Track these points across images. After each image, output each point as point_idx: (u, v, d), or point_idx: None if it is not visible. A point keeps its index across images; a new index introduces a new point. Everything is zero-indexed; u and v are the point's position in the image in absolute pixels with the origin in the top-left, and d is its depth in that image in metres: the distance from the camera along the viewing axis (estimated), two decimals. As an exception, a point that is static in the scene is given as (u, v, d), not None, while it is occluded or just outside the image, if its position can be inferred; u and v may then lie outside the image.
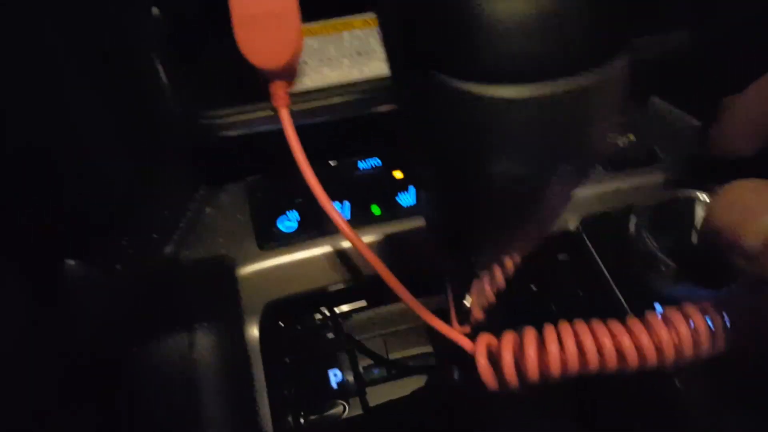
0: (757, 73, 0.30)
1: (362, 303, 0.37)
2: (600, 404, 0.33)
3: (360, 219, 0.36)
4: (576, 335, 0.23)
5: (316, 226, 0.35)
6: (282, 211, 0.36)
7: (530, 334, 0.23)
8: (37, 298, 0.28)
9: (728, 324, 0.23)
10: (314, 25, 0.36)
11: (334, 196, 0.30)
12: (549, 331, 0.23)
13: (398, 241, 0.35)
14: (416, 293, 0.28)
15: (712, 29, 0.38)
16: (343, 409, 0.33)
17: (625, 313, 0.23)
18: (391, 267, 0.28)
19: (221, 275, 0.34)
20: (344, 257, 0.35)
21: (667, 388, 0.29)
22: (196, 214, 0.37)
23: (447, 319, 0.27)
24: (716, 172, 0.33)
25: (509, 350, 0.23)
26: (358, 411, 0.33)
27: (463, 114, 0.13)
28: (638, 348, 0.22)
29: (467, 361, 0.25)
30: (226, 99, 0.32)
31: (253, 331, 0.33)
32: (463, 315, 0.28)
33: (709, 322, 0.23)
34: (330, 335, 0.36)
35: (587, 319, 0.23)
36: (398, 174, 0.38)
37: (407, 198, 0.37)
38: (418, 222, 0.36)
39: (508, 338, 0.24)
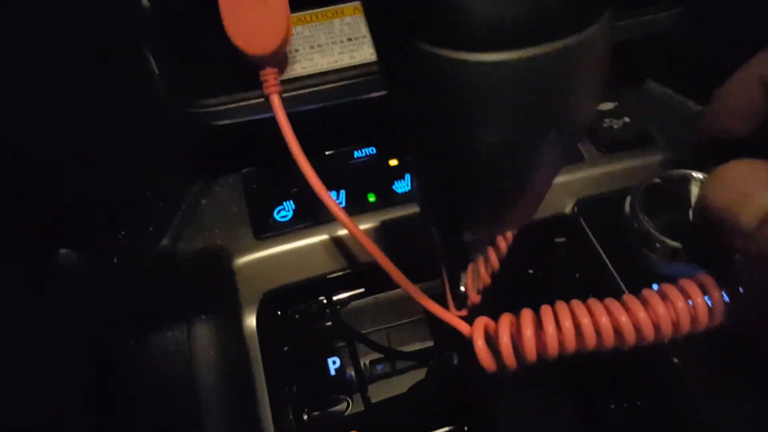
0: (748, 54, 0.30)
1: (360, 290, 0.37)
2: (598, 383, 0.33)
3: (356, 207, 0.36)
4: (573, 314, 0.23)
5: (312, 216, 0.35)
6: (278, 202, 0.36)
7: (527, 315, 0.23)
8: (33, 291, 0.28)
9: (725, 299, 0.23)
10: (305, 14, 0.36)
11: (329, 185, 0.30)
12: (545, 312, 0.23)
13: (394, 227, 0.35)
14: (413, 280, 0.28)
15: (703, 8, 0.38)
16: (347, 406, 0.33)
17: (622, 294, 0.23)
18: (388, 253, 0.28)
19: (218, 266, 0.34)
20: (341, 245, 0.35)
21: (665, 365, 0.29)
22: (192, 206, 0.37)
23: (444, 304, 0.27)
24: (711, 153, 0.33)
25: (506, 332, 0.23)
26: (360, 407, 0.33)
27: (445, 81, 0.13)
28: (635, 324, 0.22)
29: (466, 346, 0.25)
30: (218, 88, 0.32)
31: (251, 321, 0.33)
32: (460, 299, 0.28)
33: (707, 298, 0.23)
34: (328, 324, 0.36)
35: (584, 300, 0.23)
36: (394, 162, 0.38)
37: (403, 185, 0.37)
38: (414, 209, 0.36)
39: (505, 320, 0.24)
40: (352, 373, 0.34)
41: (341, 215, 0.29)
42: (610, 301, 0.23)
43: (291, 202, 0.36)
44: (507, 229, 0.23)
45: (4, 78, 0.24)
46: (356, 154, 0.39)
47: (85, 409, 0.28)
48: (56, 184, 0.28)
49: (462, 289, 0.27)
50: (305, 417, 0.33)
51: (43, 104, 0.26)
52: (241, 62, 0.30)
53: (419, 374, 0.34)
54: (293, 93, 0.32)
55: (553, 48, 0.12)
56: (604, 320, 0.22)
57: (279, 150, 0.31)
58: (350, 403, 0.33)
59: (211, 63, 0.33)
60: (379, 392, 0.34)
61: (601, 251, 0.33)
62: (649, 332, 0.22)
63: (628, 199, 0.31)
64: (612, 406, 0.32)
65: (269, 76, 0.30)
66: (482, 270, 0.27)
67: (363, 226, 0.34)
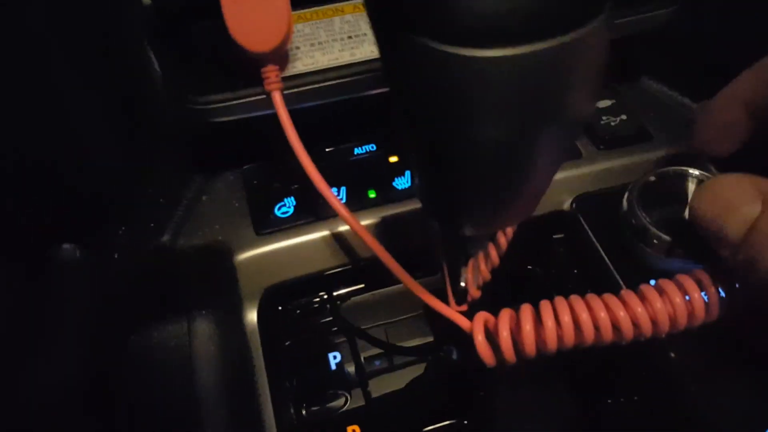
0: (743, 51, 0.30)
1: (361, 286, 0.37)
2: (595, 378, 0.33)
3: (356, 203, 0.36)
4: (571, 309, 0.23)
5: (312, 212, 0.35)
6: (279, 198, 0.36)
7: (526, 310, 0.23)
8: (33, 287, 0.28)
9: (722, 294, 0.23)
10: (305, 11, 0.36)
11: (330, 182, 0.30)
12: (545, 307, 0.23)
13: (394, 223, 0.35)
14: (412, 275, 0.28)
15: (699, 6, 0.38)
16: (344, 401, 0.33)
17: (619, 289, 0.24)
18: (388, 249, 0.29)
19: (219, 262, 0.34)
20: (342, 241, 0.35)
21: (662, 360, 0.29)
22: (193, 202, 0.37)
23: (444, 300, 0.28)
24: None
25: (506, 326, 0.23)
26: (360, 402, 0.33)
27: (444, 76, 0.13)
28: (633, 319, 0.22)
29: (465, 341, 0.25)
30: (219, 84, 0.32)
31: (252, 317, 0.33)
32: (460, 294, 0.28)
33: (703, 293, 0.23)
34: (329, 319, 0.36)
35: (583, 296, 0.23)
36: (394, 158, 0.39)
37: (403, 182, 0.37)
38: (414, 205, 0.36)
39: (505, 315, 0.24)
40: (353, 368, 0.34)
41: (342, 211, 0.29)
42: (609, 297, 0.23)
43: (292, 198, 0.36)
44: (507, 224, 0.23)
45: (2, 74, 0.24)
46: (356, 150, 0.39)
47: (84, 405, 0.28)
48: (56, 180, 0.28)
49: (462, 284, 0.27)
50: (304, 413, 0.33)
51: (42, 100, 0.26)
52: (241, 59, 0.30)
53: (419, 369, 0.34)
54: (294, 90, 0.32)
55: (552, 44, 0.12)
56: (602, 315, 0.23)
57: (279, 146, 0.31)
58: (348, 398, 0.33)
59: (212, 60, 0.33)
60: (380, 387, 0.34)
61: (599, 247, 0.33)
62: (647, 327, 0.22)
63: (626, 196, 0.32)
64: (609, 401, 0.32)
65: (270, 73, 0.30)
66: (482, 265, 0.27)
67: (363, 222, 0.34)
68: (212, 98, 0.32)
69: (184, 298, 0.34)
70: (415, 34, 0.13)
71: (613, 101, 0.41)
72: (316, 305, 0.36)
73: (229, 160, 0.39)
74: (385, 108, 0.35)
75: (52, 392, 0.27)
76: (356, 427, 0.32)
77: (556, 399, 0.33)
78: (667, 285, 0.23)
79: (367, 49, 0.34)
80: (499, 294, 0.29)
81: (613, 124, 0.39)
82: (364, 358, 0.34)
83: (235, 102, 0.32)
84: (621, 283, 0.31)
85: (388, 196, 0.36)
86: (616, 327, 0.23)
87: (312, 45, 0.34)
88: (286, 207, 0.36)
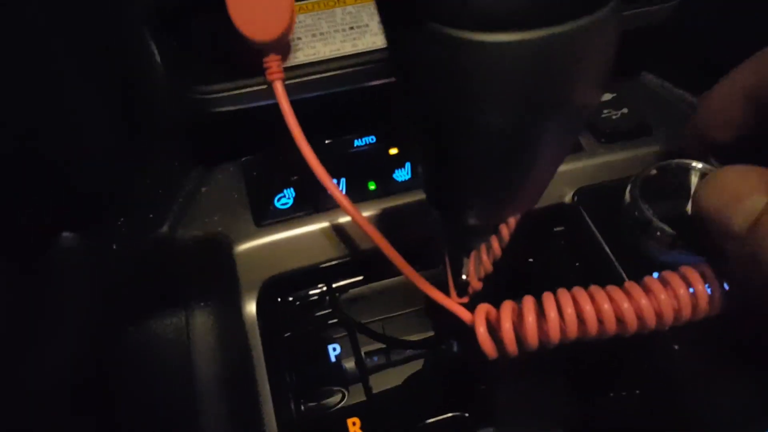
0: (743, 46, 0.30)
1: (360, 278, 0.37)
2: (597, 371, 0.33)
3: (356, 195, 0.35)
4: (575, 301, 0.23)
5: (312, 203, 0.35)
6: (279, 189, 0.36)
7: (529, 302, 0.23)
8: (31, 277, 0.28)
9: (726, 287, 0.23)
10: (307, 2, 0.36)
11: (330, 174, 0.30)
12: (547, 298, 0.23)
13: (395, 215, 0.35)
14: (413, 267, 0.28)
15: (699, 0, 0.38)
16: (343, 395, 0.33)
17: (622, 282, 0.23)
18: (389, 241, 0.29)
19: (218, 253, 0.34)
20: (342, 233, 0.35)
21: (664, 353, 0.29)
22: (192, 193, 0.37)
23: (445, 292, 0.28)
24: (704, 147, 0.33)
25: (508, 318, 0.23)
26: (359, 399, 0.33)
27: (453, 62, 0.13)
28: (637, 311, 0.22)
29: (467, 333, 0.25)
30: (220, 74, 0.32)
31: (251, 308, 0.33)
32: (461, 286, 0.28)
33: (707, 286, 0.23)
34: (328, 311, 0.36)
35: (585, 288, 0.23)
36: (394, 150, 0.38)
37: (403, 174, 0.37)
38: (415, 197, 0.36)
39: (507, 306, 0.24)
40: (352, 361, 0.34)
41: (344, 201, 0.29)
42: (612, 288, 0.23)
43: (291, 189, 0.36)
44: (511, 214, 0.23)
45: (3, 63, 0.24)
46: (356, 142, 0.39)
47: (82, 396, 0.28)
48: (54, 171, 0.28)
49: (464, 277, 0.27)
50: (302, 408, 0.33)
51: (42, 91, 0.26)
52: (243, 49, 0.30)
53: (420, 362, 0.34)
54: (295, 80, 0.32)
55: (563, 29, 0.12)
56: (606, 307, 0.22)
57: (280, 137, 0.31)
58: (346, 394, 0.33)
59: (213, 49, 0.33)
60: (380, 380, 0.34)
61: (600, 240, 0.33)
62: (651, 319, 0.22)
63: (629, 188, 0.31)
64: (611, 395, 0.32)
65: (272, 63, 0.30)
66: (484, 257, 0.27)
67: (363, 214, 0.34)
68: (213, 88, 0.32)
69: (183, 289, 0.34)
70: (426, 20, 0.13)
71: (614, 95, 0.41)
72: (316, 297, 0.36)
73: (228, 152, 0.38)
74: (386, 100, 0.35)
75: (49, 384, 0.27)
76: (356, 419, 0.32)
77: (557, 392, 0.32)
78: (672, 277, 0.23)
79: (369, 40, 0.34)
80: (501, 286, 0.29)
81: (614, 117, 0.39)
82: (365, 353, 0.34)
83: (236, 92, 0.32)
84: (623, 275, 0.31)
85: (388, 188, 0.36)
86: (619, 319, 0.22)
87: (314, 36, 0.34)
88: (286, 198, 0.36)
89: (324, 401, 0.33)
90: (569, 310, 0.22)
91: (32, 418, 0.26)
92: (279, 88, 0.30)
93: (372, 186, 0.36)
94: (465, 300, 0.28)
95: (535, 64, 0.13)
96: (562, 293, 0.23)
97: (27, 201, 0.28)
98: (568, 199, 0.36)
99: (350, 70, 0.33)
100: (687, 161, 0.32)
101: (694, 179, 0.31)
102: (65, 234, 0.29)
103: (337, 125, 0.39)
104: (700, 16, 0.39)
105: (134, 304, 0.32)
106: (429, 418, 0.32)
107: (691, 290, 0.23)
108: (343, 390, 0.33)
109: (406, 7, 0.13)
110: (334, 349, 0.34)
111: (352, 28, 0.34)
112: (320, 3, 0.36)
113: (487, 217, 0.22)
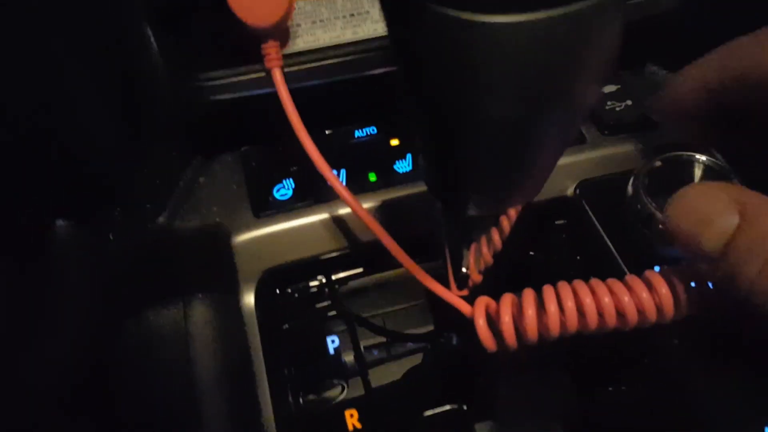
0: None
1: (360, 270, 0.37)
2: (596, 365, 0.33)
3: (356, 186, 0.35)
4: (575, 294, 0.22)
5: (311, 194, 0.35)
6: (278, 180, 0.36)
7: (529, 295, 0.23)
8: (27, 268, 0.28)
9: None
10: (307, -11, 0.35)
11: (329, 165, 0.30)
12: (548, 291, 0.23)
13: (395, 207, 0.35)
14: (413, 260, 0.28)
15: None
16: (341, 390, 0.33)
17: (624, 275, 0.23)
18: (388, 233, 0.28)
19: (216, 244, 0.34)
20: (341, 224, 0.34)
21: (664, 347, 0.29)
22: (190, 183, 0.36)
23: (445, 285, 0.27)
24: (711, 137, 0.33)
25: (508, 311, 0.23)
26: (357, 392, 0.33)
27: (456, 44, 0.13)
28: (638, 305, 0.22)
29: (466, 326, 0.24)
30: (218, 61, 0.32)
31: (250, 299, 0.33)
32: (461, 279, 0.27)
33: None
34: (327, 303, 0.36)
35: (586, 281, 0.23)
36: (395, 141, 0.38)
37: (404, 165, 0.37)
38: (415, 188, 0.35)
39: (507, 299, 0.23)
40: (351, 354, 0.34)
41: (343, 192, 0.29)
42: (613, 282, 0.23)
43: (290, 180, 0.36)
44: (512, 204, 0.23)
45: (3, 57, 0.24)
46: (357, 133, 0.38)
47: (80, 389, 0.28)
48: (52, 160, 0.28)
49: (464, 269, 0.27)
50: (301, 400, 0.33)
51: (39, 80, 0.26)
52: (241, 35, 0.29)
53: (419, 356, 0.34)
54: (295, 68, 0.32)
55: (568, 11, 0.12)
56: (606, 300, 0.22)
57: (279, 127, 0.30)
58: (345, 387, 0.33)
59: (211, 36, 0.32)
60: (379, 373, 0.34)
61: (602, 233, 0.32)
62: (651, 313, 0.22)
63: (631, 181, 0.31)
64: (610, 389, 0.32)
65: (271, 50, 0.29)
66: (485, 249, 0.27)
67: (364, 206, 0.34)
68: (211, 75, 0.32)
69: (181, 280, 0.34)
70: (428, 1, 0.12)
71: (618, 86, 0.40)
72: (315, 289, 0.36)
73: (227, 142, 0.38)
74: (388, 89, 0.34)
75: (47, 377, 0.27)
76: (354, 411, 0.31)
77: (556, 386, 0.32)
78: (673, 271, 0.23)
79: (370, 28, 0.33)
80: (501, 279, 0.29)
81: (618, 109, 0.39)
82: (364, 347, 0.34)
83: (234, 79, 0.32)
84: (624, 269, 0.31)
85: (389, 179, 0.36)
86: (620, 313, 0.22)
87: (313, 22, 0.33)
88: (285, 189, 0.35)
89: (323, 394, 0.33)
90: (569, 304, 0.22)
91: (31, 411, 0.26)
92: (278, 76, 0.29)
93: (372, 177, 0.36)
94: (465, 293, 0.28)
95: (540, 46, 0.13)
96: (563, 286, 0.23)
97: (22, 190, 0.27)
98: (570, 192, 0.36)
99: (351, 58, 0.33)
100: (690, 154, 0.31)
101: (698, 172, 0.31)
102: (60, 222, 0.28)
103: (337, 115, 0.38)
104: (705, 6, 0.39)
105: (132, 295, 0.32)
106: (428, 410, 0.32)
107: (692, 284, 0.22)
108: (342, 383, 0.33)
109: None
110: (333, 342, 0.34)
111: (352, 14, 0.34)
112: (320, -9, 0.35)
113: (488, 207, 0.22)
